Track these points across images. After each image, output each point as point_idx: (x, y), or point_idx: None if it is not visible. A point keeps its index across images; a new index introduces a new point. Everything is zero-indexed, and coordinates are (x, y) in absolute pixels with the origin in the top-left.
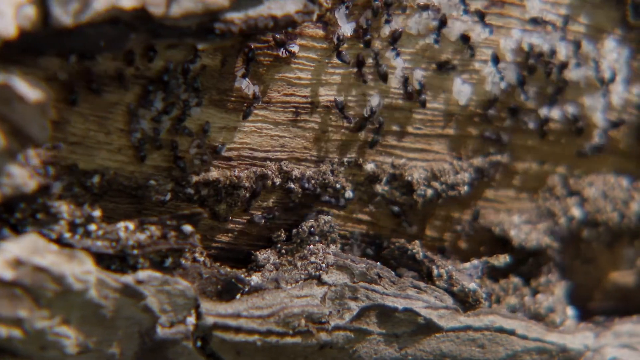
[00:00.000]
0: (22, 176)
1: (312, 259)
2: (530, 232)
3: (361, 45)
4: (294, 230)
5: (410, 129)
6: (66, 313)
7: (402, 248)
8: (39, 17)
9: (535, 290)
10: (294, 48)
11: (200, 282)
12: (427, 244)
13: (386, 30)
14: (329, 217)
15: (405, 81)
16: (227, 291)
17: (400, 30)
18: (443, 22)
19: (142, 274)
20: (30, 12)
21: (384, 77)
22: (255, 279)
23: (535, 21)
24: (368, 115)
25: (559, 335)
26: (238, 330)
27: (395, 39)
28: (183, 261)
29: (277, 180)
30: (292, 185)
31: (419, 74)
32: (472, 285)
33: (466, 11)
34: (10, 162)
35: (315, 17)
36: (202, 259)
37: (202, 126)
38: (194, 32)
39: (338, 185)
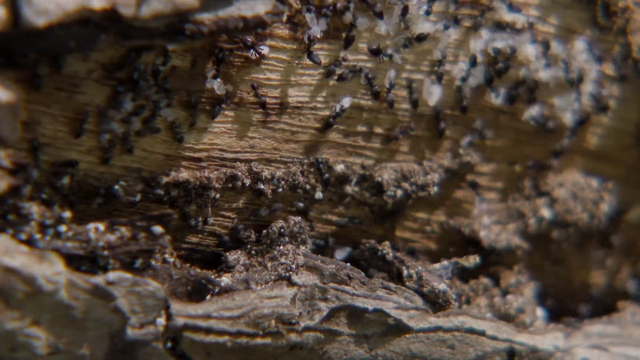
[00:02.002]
0: None
1: (282, 259)
2: (500, 233)
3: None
4: (264, 231)
5: (379, 130)
6: (36, 314)
7: (372, 249)
8: (9, 18)
9: (505, 291)
10: (264, 49)
11: (171, 283)
12: (397, 244)
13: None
14: (299, 217)
15: (370, 81)
16: (197, 292)
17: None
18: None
19: (112, 275)
20: (0, 13)
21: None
22: (226, 279)
23: (505, 22)
24: (335, 114)
25: (529, 336)
26: (208, 331)
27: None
28: (153, 262)
29: (247, 181)
30: (262, 186)
31: (392, 74)
32: (442, 286)
33: (428, 12)
34: None
35: (285, 18)
36: (172, 260)
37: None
38: (164, 33)
39: (308, 186)
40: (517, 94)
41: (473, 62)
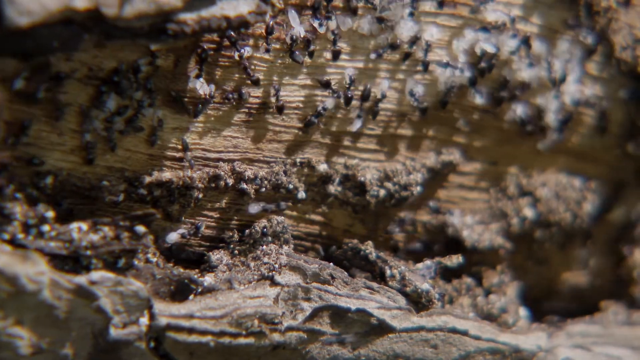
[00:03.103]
0: None
1: (265, 259)
2: (483, 233)
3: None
4: (247, 230)
5: (362, 130)
6: (19, 314)
7: (355, 248)
8: None
9: (488, 291)
10: (247, 49)
11: (153, 282)
12: (379, 244)
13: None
14: (282, 217)
15: (351, 83)
16: (180, 292)
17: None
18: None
19: (95, 275)
20: None
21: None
22: (209, 279)
23: (488, 22)
24: (317, 114)
25: (512, 335)
26: (191, 331)
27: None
28: (136, 262)
29: (230, 181)
30: (245, 186)
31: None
32: (425, 286)
33: (412, 14)
34: None
35: (268, 17)
36: (155, 259)
37: (154, 126)
38: (147, 33)
39: (291, 186)
40: (500, 95)
41: (454, 62)
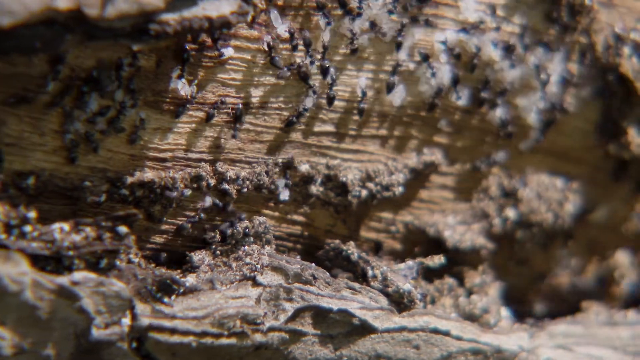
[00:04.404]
0: None
1: (247, 260)
2: (464, 233)
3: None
4: (229, 231)
5: (344, 130)
6: (1, 314)
7: (336, 249)
8: None
9: (470, 291)
10: (229, 49)
11: (135, 283)
12: (361, 244)
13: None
14: (264, 218)
15: (333, 84)
16: (163, 292)
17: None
18: (374, 25)
19: (78, 275)
20: None
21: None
22: (191, 280)
23: (470, 22)
24: (297, 114)
25: (494, 336)
26: (173, 331)
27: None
28: (118, 262)
29: (212, 182)
30: (227, 187)
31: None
32: (407, 286)
33: (391, 12)
34: None
35: (250, 18)
36: (137, 260)
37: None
38: (129, 33)
39: (272, 186)
40: (482, 95)
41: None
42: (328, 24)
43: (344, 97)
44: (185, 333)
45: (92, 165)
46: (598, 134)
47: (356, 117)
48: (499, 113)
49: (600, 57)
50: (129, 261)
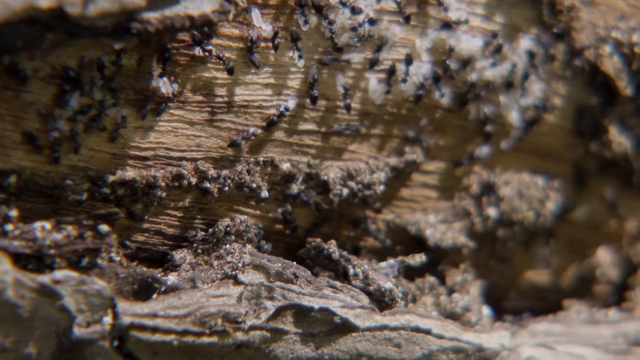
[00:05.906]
0: None
1: (229, 258)
2: (446, 232)
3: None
4: (210, 229)
5: (325, 129)
6: None
7: (318, 247)
8: None
9: (452, 290)
10: (210, 48)
11: (117, 281)
12: (343, 243)
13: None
14: (245, 216)
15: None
16: (144, 291)
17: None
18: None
19: (59, 274)
20: None
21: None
22: (172, 278)
23: (451, 20)
24: (279, 114)
25: (475, 334)
26: (155, 330)
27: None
28: (99, 261)
29: (194, 180)
30: (209, 185)
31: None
32: (388, 285)
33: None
34: None
35: (231, 16)
36: (118, 258)
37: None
38: (111, 32)
39: (254, 185)
40: (463, 94)
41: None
42: (306, 22)
43: (327, 96)
44: (167, 332)
45: (73, 164)
46: (579, 133)
47: (338, 116)
48: (480, 111)
49: (582, 56)
50: (111, 259)
